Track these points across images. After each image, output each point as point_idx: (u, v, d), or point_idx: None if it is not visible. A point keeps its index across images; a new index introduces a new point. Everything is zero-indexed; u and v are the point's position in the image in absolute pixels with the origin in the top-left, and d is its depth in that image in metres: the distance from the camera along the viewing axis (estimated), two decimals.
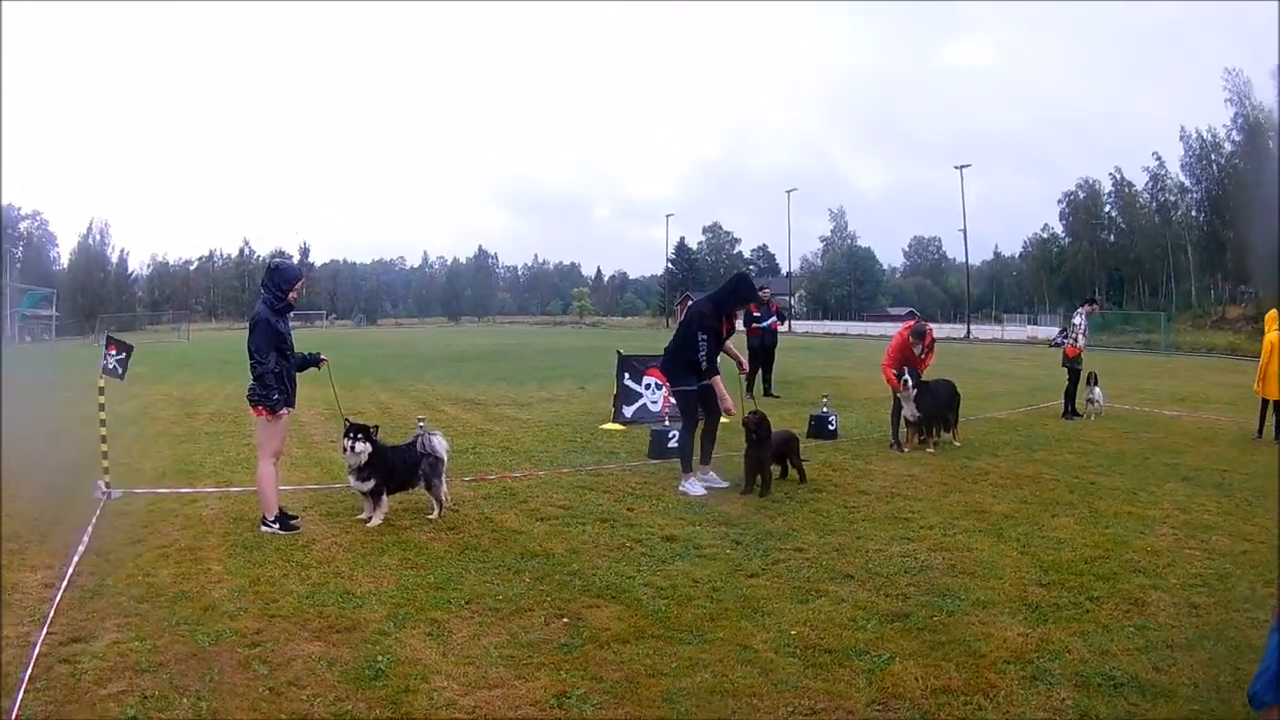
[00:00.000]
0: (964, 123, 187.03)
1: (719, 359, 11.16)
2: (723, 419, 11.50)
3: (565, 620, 6.53)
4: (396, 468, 9.58)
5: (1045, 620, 6.39)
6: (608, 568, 7.78)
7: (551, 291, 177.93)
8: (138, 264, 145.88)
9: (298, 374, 9.58)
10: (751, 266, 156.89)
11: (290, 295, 9.31)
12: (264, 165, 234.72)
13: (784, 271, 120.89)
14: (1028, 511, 9.74)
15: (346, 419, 9.63)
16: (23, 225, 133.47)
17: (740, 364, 12.10)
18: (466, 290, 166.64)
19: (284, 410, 9.16)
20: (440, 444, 9.82)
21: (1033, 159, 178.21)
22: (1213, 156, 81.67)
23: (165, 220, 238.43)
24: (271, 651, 5.96)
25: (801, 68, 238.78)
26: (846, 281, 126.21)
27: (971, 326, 78.66)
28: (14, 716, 4.97)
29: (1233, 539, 8.61)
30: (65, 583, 7.37)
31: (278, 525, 9.08)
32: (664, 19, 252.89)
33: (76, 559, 8.04)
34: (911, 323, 14.47)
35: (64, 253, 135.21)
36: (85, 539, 8.72)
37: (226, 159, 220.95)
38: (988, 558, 7.95)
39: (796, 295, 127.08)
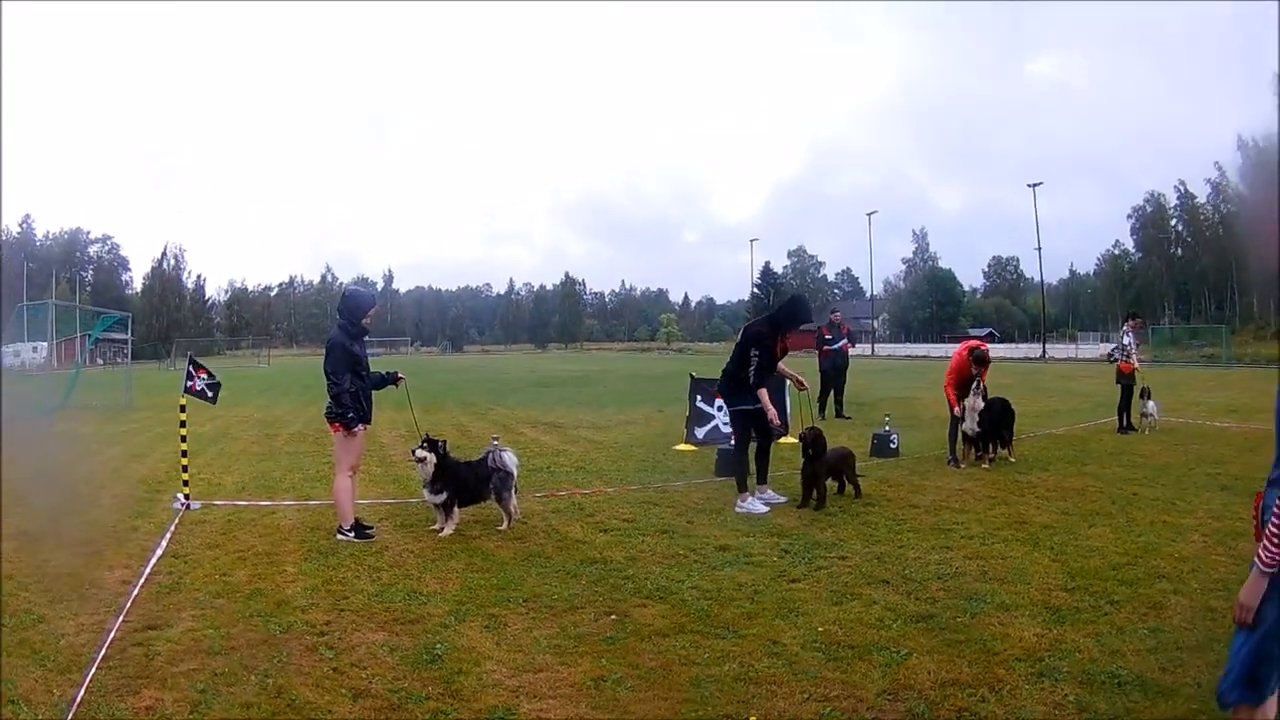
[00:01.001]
0: (1036, 140, 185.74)
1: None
2: (782, 439, 11.88)
3: (613, 617, 7.03)
4: (468, 481, 10.16)
5: (1063, 622, 6.62)
6: (660, 573, 8.25)
7: (639, 318, 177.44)
8: (215, 289, 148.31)
9: (376, 392, 10.18)
10: (836, 291, 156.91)
11: (364, 321, 9.95)
12: (347, 191, 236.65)
13: (867, 294, 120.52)
14: (1067, 522, 9.96)
15: (425, 434, 10.19)
16: (93, 249, 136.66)
17: (798, 382, 12.34)
18: (553, 316, 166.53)
19: (359, 427, 9.81)
20: (510, 459, 10.37)
21: (1105, 173, 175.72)
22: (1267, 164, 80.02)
23: (244, 247, 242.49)
24: (338, 639, 6.54)
25: (881, 87, 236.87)
26: (928, 303, 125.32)
27: (1047, 345, 77.59)
28: (82, 692, 5.41)
29: None
30: (143, 580, 8.02)
31: (353, 534, 9.69)
32: (746, 40, 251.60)
33: (155, 560, 8.71)
34: (972, 343, 14.78)
35: (137, 277, 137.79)
36: (164, 544, 9.41)
37: (308, 185, 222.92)
38: (1020, 565, 8.22)
39: (879, 318, 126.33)
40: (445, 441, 10.23)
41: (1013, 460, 14.40)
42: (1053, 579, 7.78)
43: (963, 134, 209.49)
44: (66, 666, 5.92)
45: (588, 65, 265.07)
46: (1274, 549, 3.49)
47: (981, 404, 13.86)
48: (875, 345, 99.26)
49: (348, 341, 9.78)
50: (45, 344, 35.94)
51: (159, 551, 9.03)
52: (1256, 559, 3.54)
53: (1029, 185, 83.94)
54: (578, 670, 5.95)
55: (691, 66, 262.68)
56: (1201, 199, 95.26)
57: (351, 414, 9.69)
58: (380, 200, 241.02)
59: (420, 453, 9.97)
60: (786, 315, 11.69)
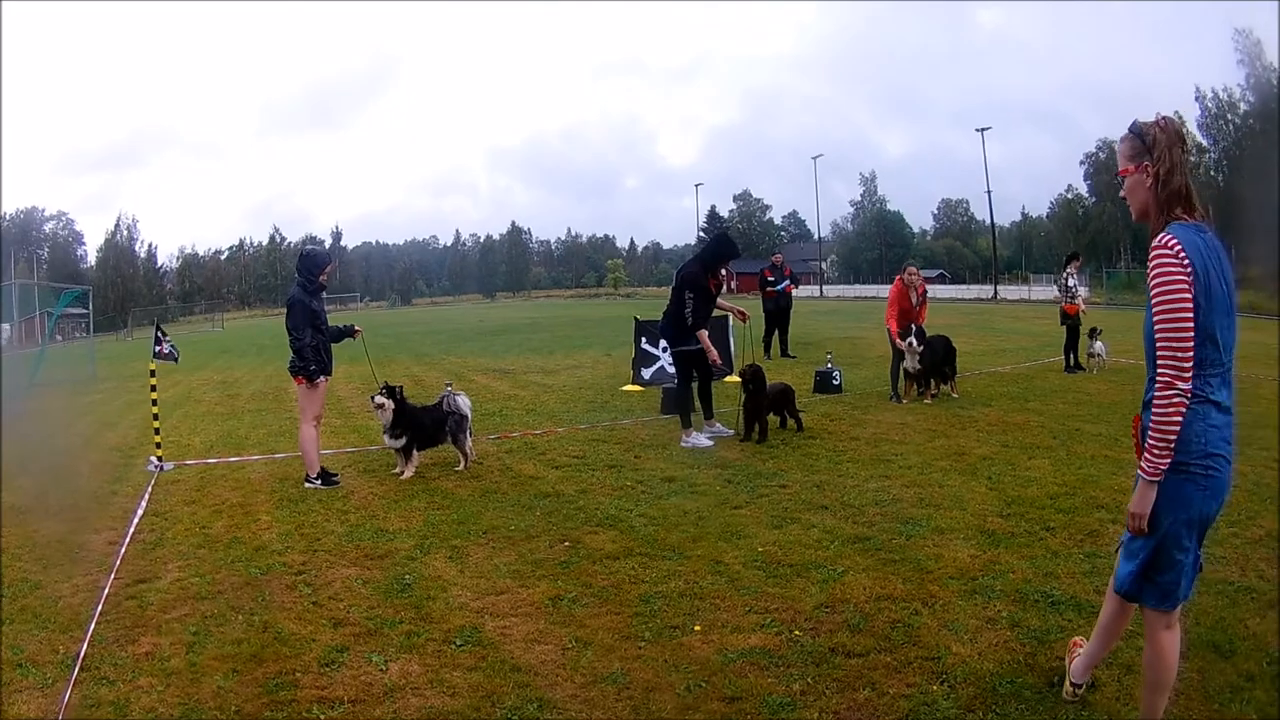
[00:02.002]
0: (982, 88, 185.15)
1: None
2: (727, 378, 12.12)
3: (566, 544, 7.45)
4: (425, 425, 10.56)
5: (997, 545, 6.90)
6: (610, 503, 8.67)
7: (586, 265, 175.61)
8: (166, 257, 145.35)
9: (335, 345, 10.41)
10: (783, 233, 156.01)
11: (321, 278, 10.23)
12: (290, 150, 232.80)
13: (815, 237, 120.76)
14: (1007, 454, 10.21)
15: (384, 382, 10.53)
16: (48, 226, 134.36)
17: (739, 314, 12.71)
18: (501, 266, 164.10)
19: (321, 379, 10.13)
20: (464, 402, 10.76)
21: (1053, 122, 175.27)
22: (1229, 116, 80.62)
23: (192, 212, 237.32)
24: (315, 576, 6.92)
25: (819, 34, 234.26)
26: (877, 245, 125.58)
27: (1000, 287, 78.03)
28: (84, 647, 5.62)
29: (1276, 496, 8.30)
30: (128, 539, 8.22)
31: (320, 481, 10.09)
32: None
33: (137, 520, 8.91)
34: (906, 272, 15.04)
35: (91, 251, 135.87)
36: (143, 504, 9.57)
37: (250, 147, 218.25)
38: (956, 493, 8.49)
39: (828, 260, 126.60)
40: (402, 388, 10.62)
41: (955, 396, 14.69)
42: (989, 506, 8.05)
43: (908, 81, 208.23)
44: (67, 625, 6.13)
45: (519, 15, 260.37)
46: (1154, 458, 3.71)
47: (920, 344, 14.11)
48: (824, 287, 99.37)
49: (307, 299, 10.08)
50: (7, 325, 35.71)
51: (140, 511, 9.22)
52: (1140, 472, 3.78)
53: (977, 130, 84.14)
54: (536, 591, 6.36)
55: (624, 16, 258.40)
56: None
57: (313, 366, 10.01)
58: (324, 157, 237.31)
59: (379, 399, 10.30)
60: (713, 253, 11.90)
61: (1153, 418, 3.72)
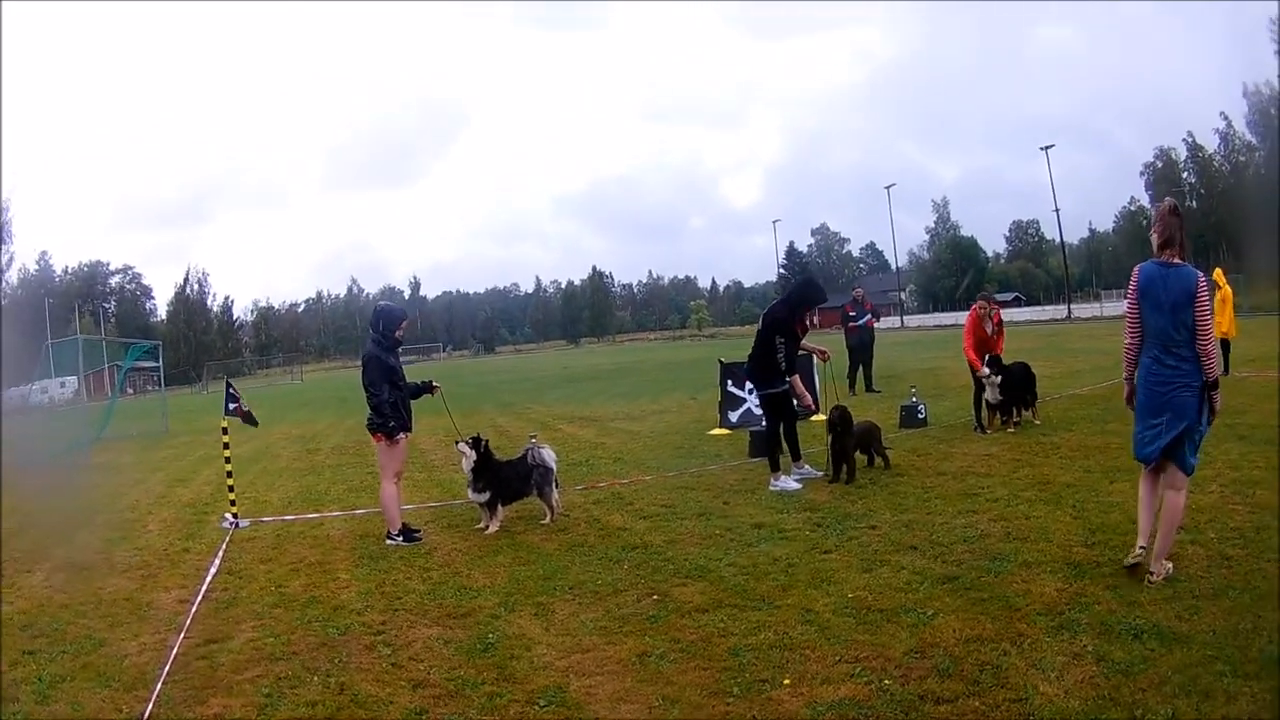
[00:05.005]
0: (1031, 106, 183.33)
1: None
2: (814, 417, 12.20)
3: (654, 597, 7.38)
4: (509, 479, 10.54)
5: (1082, 576, 6.86)
6: (698, 553, 8.60)
7: (669, 307, 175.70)
8: (241, 310, 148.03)
9: (413, 401, 10.52)
10: (862, 265, 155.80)
11: (397, 334, 10.37)
12: (359, 202, 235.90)
13: (893, 267, 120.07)
14: (1089, 480, 10.15)
15: (464, 437, 10.54)
16: (114, 280, 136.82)
17: (820, 354, 12.82)
18: (584, 311, 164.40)
19: (400, 435, 10.23)
20: (549, 455, 10.73)
21: (1103, 137, 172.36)
22: (1272, 111, 79.11)
23: (264, 265, 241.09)
24: (394, 636, 6.90)
25: (862, 68, 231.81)
26: (953, 272, 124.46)
27: (1072, 306, 77.11)
28: (150, 707, 5.68)
29: (1275, 492, 8.73)
30: (200, 597, 8.30)
31: (401, 538, 10.05)
32: (718, 35, 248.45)
33: (210, 578, 8.99)
34: (979, 304, 15.08)
35: (161, 304, 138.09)
36: (217, 562, 9.68)
37: (318, 199, 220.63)
38: (1042, 524, 8.44)
39: (907, 290, 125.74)
40: (487, 440, 10.55)
41: (1037, 422, 14.61)
42: (1074, 535, 8.00)
43: (950, 106, 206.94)
44: (132, 684, 6.20)
45: (572, 64, 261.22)
46: (1125, 367, 7.16)
47: (998, 377, 14.07)
48: (904, 317, 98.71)
49: (383, 354, 10.14)
50: (74, 379, 36.14)
51: (213, 569, 9.30)
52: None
53: (1041, 148, 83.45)
54: (623, 648, 6.29)
55: (661, 65, 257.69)
56: (1211, 150, 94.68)
57: (393, 423, 10.07)
58: (393, 209, 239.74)
59: (462, 446, 10.34)
60: (800, 296, 12.04)
61: (1126, 342, 7.06)
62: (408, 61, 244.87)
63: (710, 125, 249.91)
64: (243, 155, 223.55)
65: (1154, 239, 6.79)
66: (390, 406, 10.05)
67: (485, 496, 10.36)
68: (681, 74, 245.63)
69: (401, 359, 10.52)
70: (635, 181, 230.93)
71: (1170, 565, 6.65)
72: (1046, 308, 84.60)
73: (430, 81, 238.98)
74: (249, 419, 12.24)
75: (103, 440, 26.49)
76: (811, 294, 12.11)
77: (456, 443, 10.51)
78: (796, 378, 11.73)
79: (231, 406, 11.96)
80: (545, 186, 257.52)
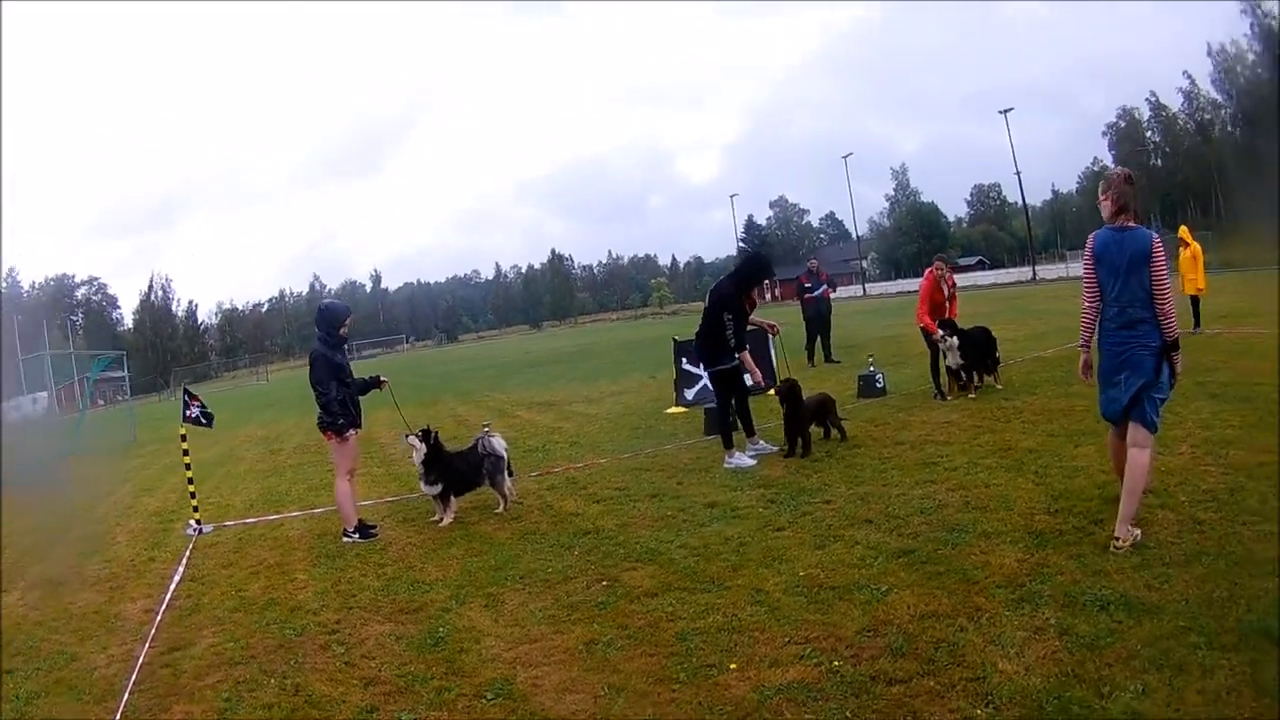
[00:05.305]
0: (987, 74, 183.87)
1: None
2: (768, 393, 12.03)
3: (604, 583, 7.31)
4: (461, 469, 10.47)
5: (1045, 545, 6.69)
6: (650, 536, 8.52)
7: (630, 286, 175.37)
8: (206, 314, 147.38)
9: (362, 397, 10.49)
10: (822, 235, 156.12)
11: (341, 331, 10.30)
12: (320, 199, 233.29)
13: (853, 236, 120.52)
14: (1052, 444, 9.98)
15: (414, 430, 10.46)
16: (80, 292, 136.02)
17: (770, 327, 12.78)
18: (545, 296, 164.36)
19: (350, 432, 10.14)
20: (499, 444, 10.61)
21: (1070, 96, 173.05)
22: (1238, 69, 79.71)
23: (228, 268, 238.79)
24: (348, 635, 6.91)
25: (819, 40, 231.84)
26: (915, 238, 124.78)
27: (1037, 267, 77.36)
28: (118, 716, 5.77)
29: (1251, 451, 8.50)
30: (164, 606, 8.28)
31: (357, 535, 10.01)
32: (670, 20, 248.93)
33: (174, 586, 8.98)
34: (936, 265, 14.93)
35: (127, 313, 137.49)
36: (180, 569, 9.65)
37: (283, 199, 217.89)
38: (1003, 492, 8.27)
39: (868, 258, 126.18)
40: (437, 432, 10.53)
41: (999, 387, 14.47)
42: (1036, 503, 7.83)
43: (910, 75, 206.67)
44: (102, 696, 6.25)
45: (530, 47, 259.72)
46: (1083, 334, 7.16)
47: (956, 341, 13.92)
48: (866, 285, 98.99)
49: (329, 352, 10.15)
50: (45, 394, 35.94)
51: (177, 578, 9.31)
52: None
53: (1000, 112, 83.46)
54: (570, 637, 6.25)
55: (623, 46, 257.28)
56: (1175, 109, 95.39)
57: (341, 420, 10.03)
58: (356, 203, 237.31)
59: (411, 439, 10.32)
60: (747, 273, 11.93)
61: (1084, 307, 7.06)
62: (366, 50, 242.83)
63: (669, 103, 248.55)
64: (204, 157, 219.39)
65: (1107, 206, 6.86)
66: (338, 404, 10.03)
67: (437, 489, 10.35)
68: (642, 54, 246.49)
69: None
70: (595, 163, 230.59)
71: (1138, 532, 6.53)
72: (1011, 270, 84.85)
73: (384, 72, 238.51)
74: (204, 421, 12.12)
75: (75, 453, 26.16)
76: (761, 270, 12.06)
77: (406, 436, 10.51)
78: (746, 353, 11.51)
79: (188, 413, 11.89)
80: (506, 172, 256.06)
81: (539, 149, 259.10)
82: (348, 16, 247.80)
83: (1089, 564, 6.22)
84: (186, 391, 12.54)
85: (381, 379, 10.94)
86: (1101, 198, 6.92)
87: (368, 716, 5.43)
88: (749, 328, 12.00)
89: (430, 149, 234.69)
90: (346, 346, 10.56)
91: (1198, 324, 18.68)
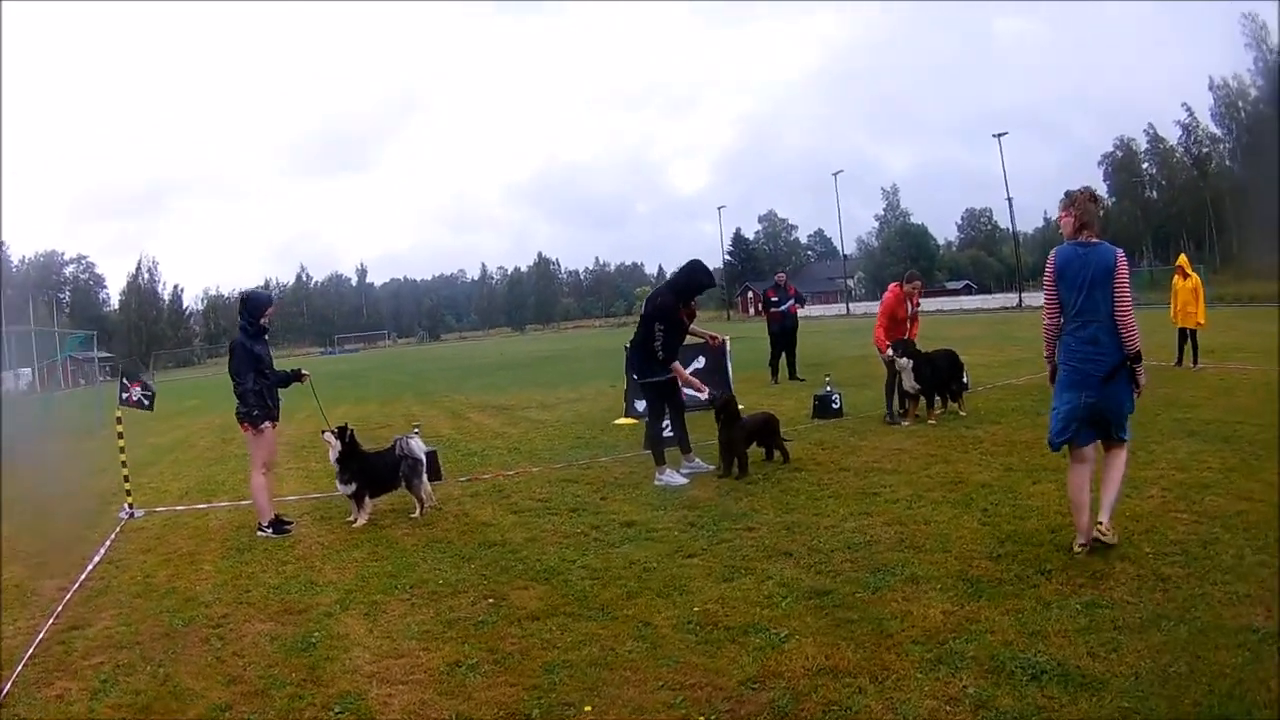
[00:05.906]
0: (985, 99, 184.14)
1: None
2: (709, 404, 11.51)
3: (491, 601, 6.99)
4: (376, 470, 10.29)
5: (979, 596, 6.01)
6: (554, 553, 8.15)
7: (615, 293, 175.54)
8: (192, 299, 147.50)
9: (282, 390, 10.46)
10: (809, 251, 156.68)
11: (262, 320, 10.22)
12: (311, 191, 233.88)
13: (840, 254, 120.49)
14: (1009, 480, 9.31)
15: (330, 427, 10.39)
16: (68, 270, 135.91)
17: (710, 338, 12.34)
18: (530, 299, 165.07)
19: (265, 424, 10.10)
20: (417, 445, 10.43)
21: (1060, 129, 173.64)
22: (1239, 104, 79.92)
23: (216, 254, 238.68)
24: (230, 631, 6.84)
25: (815, 56, 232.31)
26: (903, 259, 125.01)
27: (1025, 295, 77.22)
28: (10, 685, 5.99)
29: (1229, 498, 7.88)
30: (76, 586, 8.43)
31: (271, 530, 9.95)
32: (668, 28, 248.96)
33: (91, 567, 9.10)
34: (907, 282, 14.46)
35: (114, 294, 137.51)
36: (102, 551, 9.77)
37: (272, 188, 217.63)
38: (943, 530, 7.66)
39: (855, 276, 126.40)
40: (353, 430, 10.34)
41: (963, 414, 13.86)
42: (978, 546, 7.14)
43: (905, 96, 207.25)
44: (2, 667, 6.37)
45: (524, 50, 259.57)
46: (1046, 347, 7.31)
47: (909, 362, 13.36)
48: (850, 304, 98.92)
49: (249, 342, 10.06)
50: (28, 370, 36.55)
51: (96, 559, 9.40)
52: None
53: (994, 135, 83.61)
54: (437, 656, 5.98)
55: (615, 51, 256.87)
56: (1172, 141, 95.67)
57: (257, 412, 9.96)
58: (346, 196, 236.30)
59: (327, 436, 10.21)
60: (686, 284, 11.47)
61: (1045, 322, 7.25)
62: (359, 47, 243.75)
63: (661, 111, 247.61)
64: (195, 144, 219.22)
65: (1068, 223, 6.99)
66: (255, 395, 9.95)
67: (352, 488, 10.16)
68: (635, 60, 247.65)
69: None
70: (584, 168, 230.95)
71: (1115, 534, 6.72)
72: (996, 295, 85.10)
73: (382, 67, 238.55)
74: (142, 405, 11.82)
75: (43, 432, 26.04)
76: (700, 281, 11.59)
77: (323, 433, 10.39)
78: (678, 365, 11.18)
79: (126, 396, 11.66)
80: (497, 173, 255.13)
81: (529, 151, 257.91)
82: (344, 12, 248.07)
83: (1027, 622, 5.49)
84: (124, 374, 12.37)
85: (303, 373, 10.82)
86: (1063, 214, 7.05)
87: (220, 715, 5.34)
88: (690, 340, 11.67)
89: (421, 148, 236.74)
90: (267, 337, 10.45)
91: (1196, 359, 18.22)
